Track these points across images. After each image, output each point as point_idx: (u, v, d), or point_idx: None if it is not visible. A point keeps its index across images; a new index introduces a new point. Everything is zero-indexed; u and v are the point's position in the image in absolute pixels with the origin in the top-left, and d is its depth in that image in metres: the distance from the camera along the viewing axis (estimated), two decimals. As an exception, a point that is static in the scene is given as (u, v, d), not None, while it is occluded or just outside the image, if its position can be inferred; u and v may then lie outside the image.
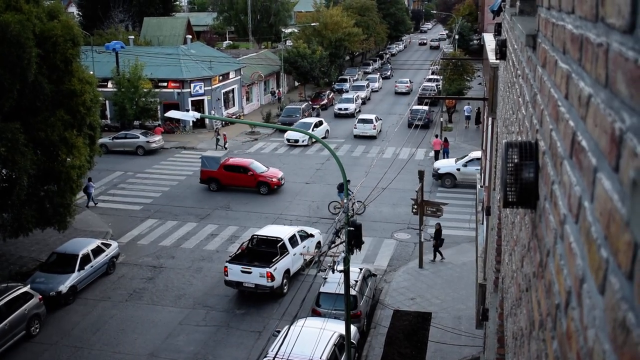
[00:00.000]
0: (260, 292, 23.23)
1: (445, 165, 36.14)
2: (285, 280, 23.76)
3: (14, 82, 21.94)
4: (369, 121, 47.46)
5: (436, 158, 40.27)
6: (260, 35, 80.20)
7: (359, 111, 55.68)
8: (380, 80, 73.00)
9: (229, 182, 35.00)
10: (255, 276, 22.80)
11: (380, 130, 48.27)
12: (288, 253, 24.01)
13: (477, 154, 36.06)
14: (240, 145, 45.84)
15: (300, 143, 44.57)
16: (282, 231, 25.21)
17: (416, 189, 25.94)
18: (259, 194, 34.48)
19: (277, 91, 63.53)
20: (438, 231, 26.22)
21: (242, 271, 22.86)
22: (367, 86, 65.22)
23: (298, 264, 24.64)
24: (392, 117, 53.98)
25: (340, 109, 55.28)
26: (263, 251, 24.38)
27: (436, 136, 42.44)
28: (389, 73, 79.39)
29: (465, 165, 35.26)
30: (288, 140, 44.79)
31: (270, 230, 25.45)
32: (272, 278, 22.94)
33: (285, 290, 23.71)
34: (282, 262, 23.59)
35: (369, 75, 74.44)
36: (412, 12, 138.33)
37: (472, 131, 48.64)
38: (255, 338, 21.00)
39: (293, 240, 24.71)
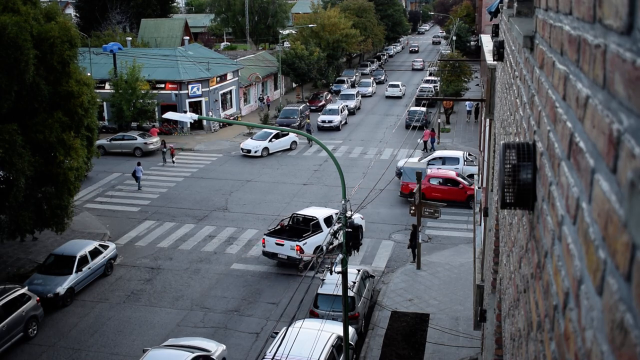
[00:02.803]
0: (292, 264, 25.33)
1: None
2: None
3: (12, 84, 21.92)
4: (397, 85, 65.25)
5: (425, 148, 42.96)
6: (258, 37, 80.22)
7: (345, 123, 51.74)
8: (374, 84, 69.73)
9: (437, 195, 32.22)
10: (287, 248, 25.12)
11: (404, 94, 64.39)
12: (321, 231, 25.74)
13: (440, 153, 36.62)
14: (237, 146, 45.79)
15: (252, 153, 42.36)
16: (320, 212, 27.25)
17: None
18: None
19: (265, 97, 60.05)
20: (414, 232, 26.27)
21: (276, 243, 25.26)
22: (357, 95, 59.56)
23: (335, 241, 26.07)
24: (389, 119, 54.00)
25: (324, 121, 49.84)
26: (299, 228, 26.72)
27: (425, 128, 45.77)
28: (382, 77, 76.45)
29: (427, 164, 35.52)
30: (242, 149, 43.23)
31: (310, 211, 27.70)
32: (302, 251, 24.94)
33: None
34: (313, 238, 25.44)
35: (362, 80, 70.72)
36: (409, 14, 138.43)
37: (470, 132, 48.66)
38: (253, 339, 20.99)
39: (329, 221, 26.26)
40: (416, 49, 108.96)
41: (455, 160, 35.74)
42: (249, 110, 58.15)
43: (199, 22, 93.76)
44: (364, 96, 63.34)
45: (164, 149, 41.65)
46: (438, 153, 37.14)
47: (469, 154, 37.19)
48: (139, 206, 33.64)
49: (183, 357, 17.39)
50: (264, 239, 25.77)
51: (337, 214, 26.68)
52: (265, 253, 25.78)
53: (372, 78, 72.89)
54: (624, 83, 1.40)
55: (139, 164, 36.76)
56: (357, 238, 16.15)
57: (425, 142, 43.54)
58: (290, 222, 27.25)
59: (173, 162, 40.99)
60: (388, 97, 64.16)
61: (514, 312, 4.16)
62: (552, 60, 2.71)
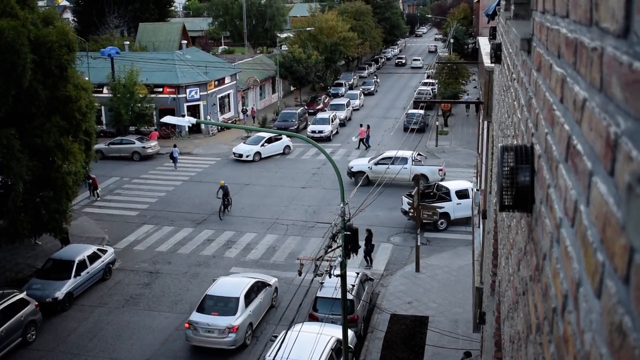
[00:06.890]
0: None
1: (358, 163, 36.89)
2: (442, 221, 29.77)
3: (9, 88, 21.92)
4: (418, 59, 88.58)
5: (359, 146, 45.11)
6: (256, 40, 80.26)
7: (337, 133, 49.64)
8: (362, 97, 63.13)
9: None
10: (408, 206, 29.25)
11: (422, 65, 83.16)
12: (450, 201, 30.09)
13: (390, 153, 36.20)
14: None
15: (244, 158, 42.05)
16: (459, 184, 31.53)
17: (412, 193, 25.99)
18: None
19: (249, 108, 56.59)
20: (368, 237, 26.18)
21: (408, 203, 28.79)
22: (348, 105, 56.28)
23: (463, 212, 29.95)
24: (387, 122, 53.99)
25: (314, 131, 47.39)
26: (434, 194, 31.09)
27: (361, 125, 47.28)
28: (372, 88, 69.35)
29: (376, 164, 35.59)
30: (234, 153, 42.83)
31: (450, 183, 31.91)
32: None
33: (441, 227, 29.96)
34: (438, 204, 29.24)
35: (349, 92, 64.39)
36: (407, 16, 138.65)
37: (469, 134, 48.66)
38: (252, 343, 20.96)
39: (462, 194, 30.41)
40: (403, 60, 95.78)
41: (403, 160, 35.19)
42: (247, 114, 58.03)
43: (197, 26, 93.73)
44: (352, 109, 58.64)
45: (88, 180, 33.95)
46: (387, 153, 36.42)
47: (419, 154, 37.04)
48: (137, 210, 33.61)
49: (247, 281, 22.05)
50: (402, 198, 30.50)
51: (472, 188, 30.36)
52: (402, 210, 30.54)
53: (359, 89, 66.86)
54: (620, 86, 1.40)
55: (175, 146, 41.31)
56: (356, 241, 16.13)
57: (361, 139, 44.48)
58: (432, 189, 31.24)
59: (96, 195, 35.33)
60: (412, 67, 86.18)
61: (513, 315, 4.16)
62: (549, 62, 2.71)
